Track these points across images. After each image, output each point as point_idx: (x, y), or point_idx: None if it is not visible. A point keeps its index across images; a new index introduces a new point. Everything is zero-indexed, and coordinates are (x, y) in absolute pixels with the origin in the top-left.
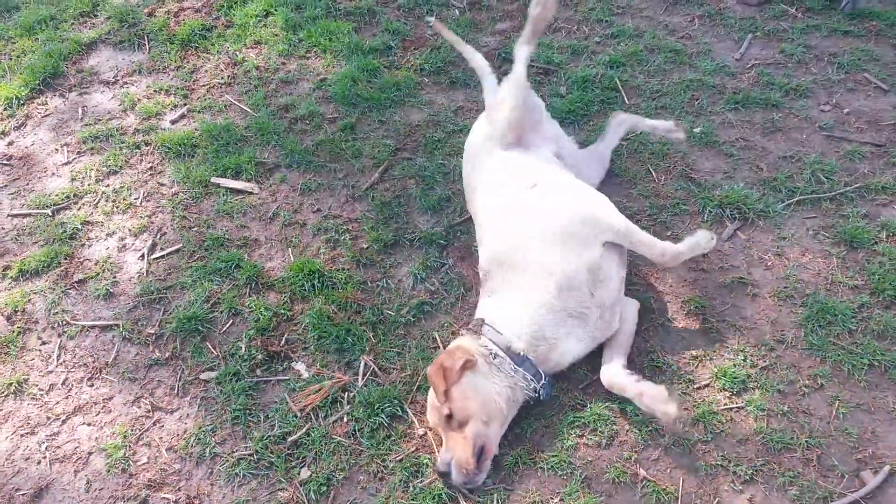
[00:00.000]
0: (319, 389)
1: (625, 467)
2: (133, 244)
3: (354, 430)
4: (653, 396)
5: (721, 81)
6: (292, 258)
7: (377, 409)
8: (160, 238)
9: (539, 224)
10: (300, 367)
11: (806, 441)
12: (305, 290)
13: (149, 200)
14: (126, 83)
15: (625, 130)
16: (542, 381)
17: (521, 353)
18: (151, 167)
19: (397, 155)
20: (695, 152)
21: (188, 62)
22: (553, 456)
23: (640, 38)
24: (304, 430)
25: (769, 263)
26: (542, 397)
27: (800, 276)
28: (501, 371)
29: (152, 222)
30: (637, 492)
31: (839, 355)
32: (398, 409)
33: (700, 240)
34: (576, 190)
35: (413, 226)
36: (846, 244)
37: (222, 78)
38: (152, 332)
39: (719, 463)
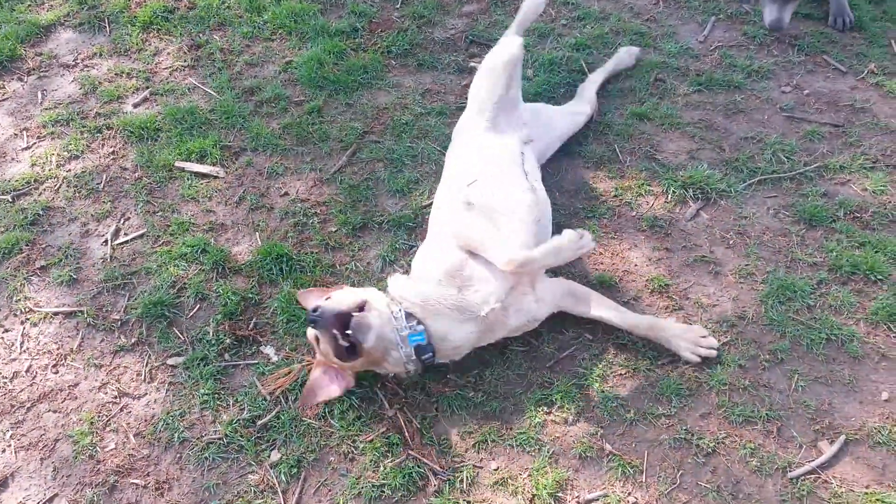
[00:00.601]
0: (289, 373)
1: (591, 442)
2: (96, 230)
3: (324, 413)
4: (696, 331)
5: (685, 63)
6: (259, 242)
7: (347, 392)
8: (124, 223)
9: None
10: (269, 350)
11: (766, 414)
12: (273, 274)
13: (111, 185)
14: (86, 66)
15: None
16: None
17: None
18: (114, 151)
19: (365, 138)
20: (659, 133)
21: (150, 45)
22: (521, 433)
23: (605, 21)
24: (273, 413)
25: (731, 242)
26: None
27: (760, 254)
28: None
29: (115, 207)
30: (603, 466)
31: (798, 330)
32: (368, 390)
33: (561, 242)
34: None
35: (381, 209)
36: (805, 222)
37: (185, 60)
38: (117, 317)
39: (683, 436)
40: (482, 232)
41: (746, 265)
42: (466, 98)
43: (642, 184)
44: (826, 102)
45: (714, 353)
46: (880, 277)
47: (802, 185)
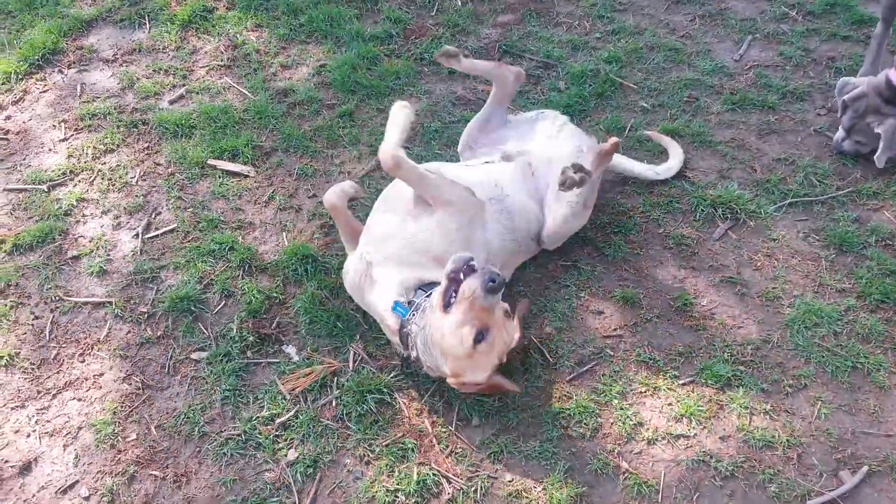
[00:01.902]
0: (310, 373)
1: (608, 459)
2: (128, 223)
3: (342, 415)
4: None
5: (719, 82)
6: (286, 242)
7: (365, 395)
8: (155, 217)
9: None
10: (291, 350)
11: (787, 440)
12: (298, 274)
13: (144, 180)
14: (125, 62)
15: None
16: None
17: None
18: (148, 147)
19: None
20: (690, 151)
21: (188, 43)
22: (538, 446)
23: (640, 36)
24: (292, 412)
25: (758, 264)
26: None
27: (788, 278)
28: None
29: (147, 201)
30: (619, 483)
31: (824, 357)
32: (387, 396)
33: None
34: None
35: None
36: (835, 247)
37: (222, 60)
38: (145, 310)
39: (701, 458)
40: None
41: (773, 288)
42: None
43: (671, 201)
44: None
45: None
46: None
47: (834, 209)
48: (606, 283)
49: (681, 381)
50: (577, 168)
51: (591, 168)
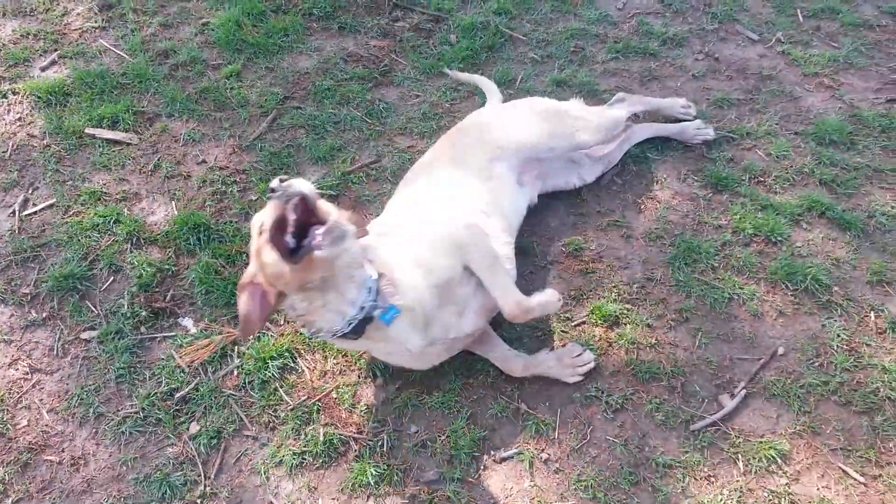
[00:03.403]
0: (208, 344)
1: (507, 403)
2: (3, 200)
3: (244, 383)
4: (568, 352)
5: (604, 31)
6: (176, 211)
7: (267, 362)
8: (32, 193)
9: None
10: (187, 322)
11: (671, 370)
12: (191, 244)
13: (18, 153)
14: None
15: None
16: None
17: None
18: (20, 118)
19: (285, 103)
20: None
21: (58, 5)
22: (441, 397)
23: None
24: (192, 385)
25: (642, 207)
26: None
27: (669, 218)
28: None
29: (23, 177)
30: (518, 424)
31: (703, 290)
32: (289, 360)
33: (549, 298)
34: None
35: (303, 176)
36: (712, 187)
37: (96, 21)
38: (27, 291)
39: (593, 394)
40: (494, 262)
41: (656, 228)
42: (388, 64)
43: None
44: (736, 70)
45: (592, 365)
46: (780, 239)
47: (711, 150)
48: None
49: (573, 323)
50: None
51: None
